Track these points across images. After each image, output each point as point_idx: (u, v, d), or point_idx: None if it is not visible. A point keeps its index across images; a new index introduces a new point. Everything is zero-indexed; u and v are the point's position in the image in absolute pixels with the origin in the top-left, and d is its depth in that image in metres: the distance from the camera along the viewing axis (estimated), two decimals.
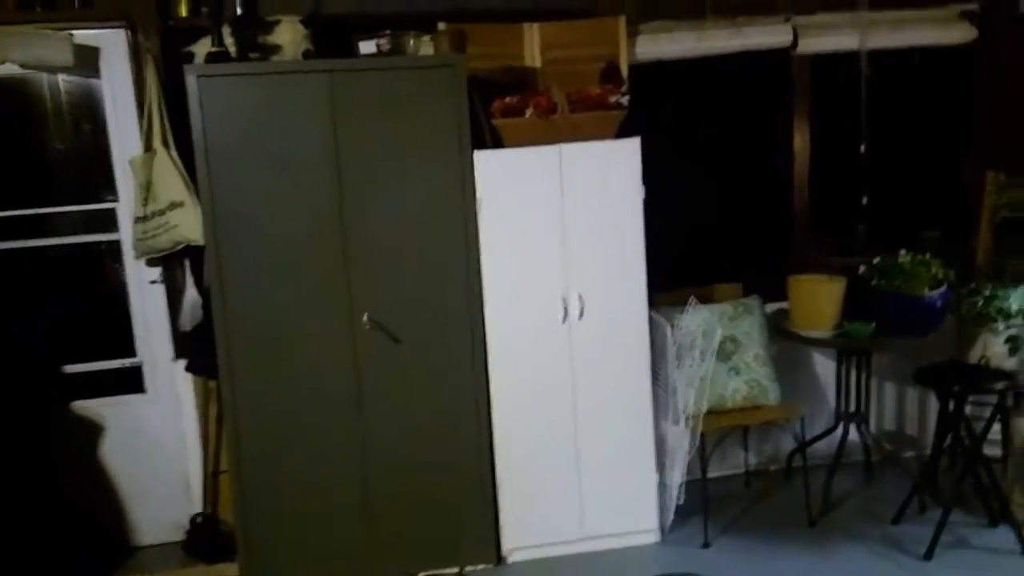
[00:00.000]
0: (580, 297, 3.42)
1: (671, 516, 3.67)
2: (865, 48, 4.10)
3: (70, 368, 3.73)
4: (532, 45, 3.74)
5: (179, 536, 3.77)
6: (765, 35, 4.03)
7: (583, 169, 3.37)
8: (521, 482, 3.48)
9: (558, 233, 3.39)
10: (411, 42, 3.31)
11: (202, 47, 3.31)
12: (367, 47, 3.28)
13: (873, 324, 3.72)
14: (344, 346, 3.28)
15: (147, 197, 3.44)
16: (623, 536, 3.59)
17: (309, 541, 3.36)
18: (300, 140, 3.15)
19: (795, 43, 4.07)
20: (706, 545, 3.58)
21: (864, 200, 4.43)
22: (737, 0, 3.97)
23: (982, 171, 4.23)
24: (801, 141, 4.31)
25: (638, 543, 3.60)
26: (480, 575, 3.44)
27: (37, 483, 3.63)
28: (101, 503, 3.75)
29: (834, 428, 4.01)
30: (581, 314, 3.43)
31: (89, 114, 3.65)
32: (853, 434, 3.95)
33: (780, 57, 4.15)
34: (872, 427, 4.23)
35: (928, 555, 3.39)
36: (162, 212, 3.41)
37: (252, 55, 3.27)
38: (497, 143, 3.40)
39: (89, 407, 3.71)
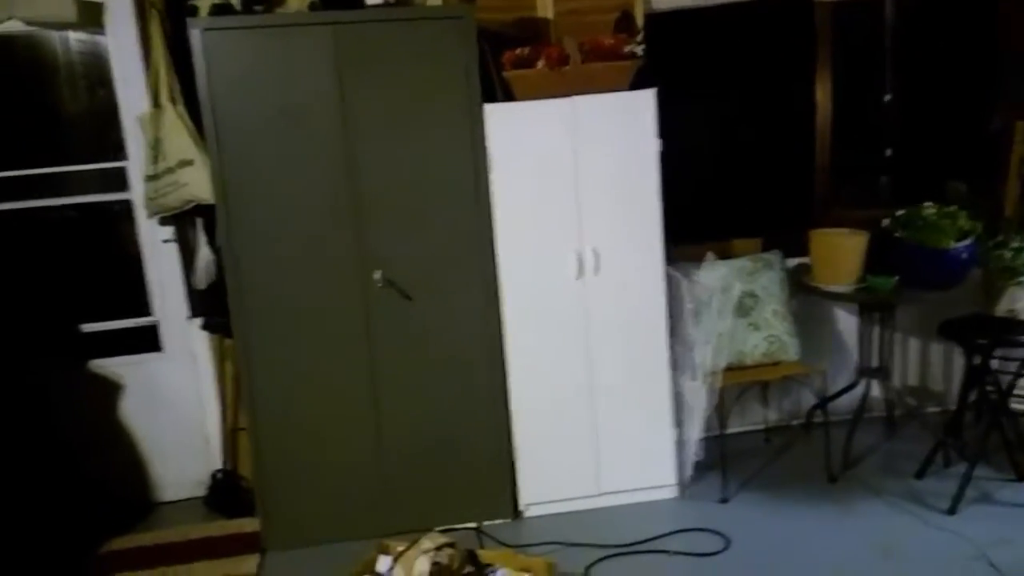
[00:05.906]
0: (595, 252, 3.37)
1: (689, 472, 3.65)
2: None
3: (87, 327, 3.76)
4: None
5: (200, 492, 3.83)
6: None
7: (597, 121, 3.29)
8: (538, 437, 3.47)
9: (572, 187, 3.33)
10: None
11: (205, 0, 3.26)
12: None
13: (896, 278, 3.64)
14: (356, 303, 3.26)
15: (156, 155, 3.42)
16: (640, 491, 3.58)
17: (327, 496, 3.38)
18: (307, 94, 3.11)
19: None
20: (724, 500, 3.56)
21: (888, 152, 4.31)
22: None
23: (1011, 120, 4.09)
24: (823, 91, 4.18)
25: (655, 498, 3.58)
26: (497, 529, 3.45)
27: (56, 442, 3.68)
28: (122, 461, 3.80)
29: (856, 384, 3.95)
30: (596, 270, 3.38)
31: (100, 72, 3.63)
32: (875, 390, 3.89)
33: (802, 5, 4.02)
34: (895, 382, 4.17)
35: (952, 510, 3.33)
36: (171, 170, 3.39)
37: (256, 7, 3.22)
38: (508, 96, 3.33)
39: (107, 366, 3.75)
